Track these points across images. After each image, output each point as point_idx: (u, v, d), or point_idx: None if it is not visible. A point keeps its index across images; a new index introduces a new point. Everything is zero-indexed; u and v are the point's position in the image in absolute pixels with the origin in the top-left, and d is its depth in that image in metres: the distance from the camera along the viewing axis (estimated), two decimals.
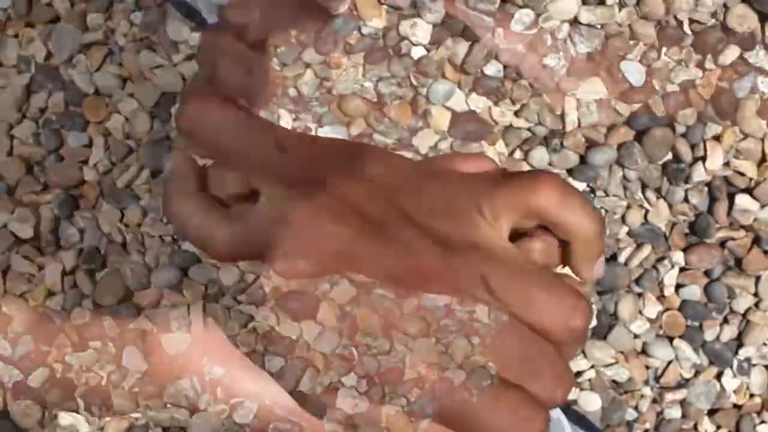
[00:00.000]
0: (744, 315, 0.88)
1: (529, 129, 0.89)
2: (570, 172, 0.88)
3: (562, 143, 0.88)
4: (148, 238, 0.88)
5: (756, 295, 0.88)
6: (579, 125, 0.88)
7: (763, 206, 0.87)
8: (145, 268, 0.88)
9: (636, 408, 0.88)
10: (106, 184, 0.89)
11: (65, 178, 0.89)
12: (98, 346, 0.88)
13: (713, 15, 0.87)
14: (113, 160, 0.89)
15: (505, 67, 0.88)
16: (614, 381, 0.88)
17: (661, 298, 0.88)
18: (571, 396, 0.87)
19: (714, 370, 0.88)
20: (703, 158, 0.87)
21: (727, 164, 0.88)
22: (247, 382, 0.40)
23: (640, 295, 0.88)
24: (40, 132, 0.90)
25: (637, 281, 0.88)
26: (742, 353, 0.88)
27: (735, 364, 0.88)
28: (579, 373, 0.87)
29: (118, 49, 0.90)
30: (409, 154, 0.89)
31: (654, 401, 0.88)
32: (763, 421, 0.88)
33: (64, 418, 0.88)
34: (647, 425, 0.88)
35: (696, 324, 0.88)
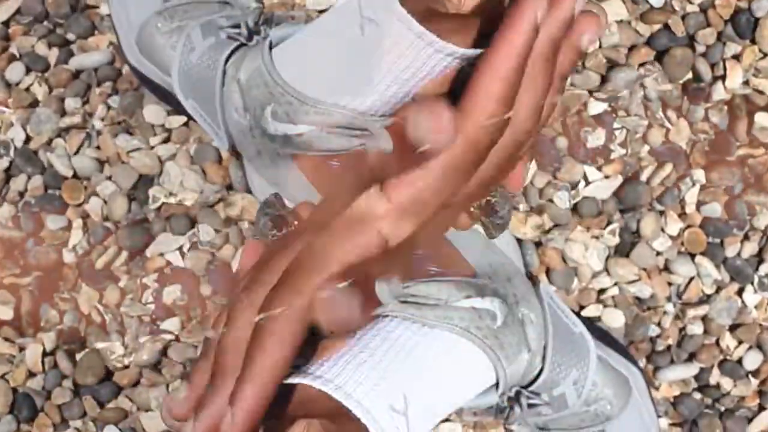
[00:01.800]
0: (764, 231, 0.89)
1: None
2: (591, 92, 0.89)
3: (583, 64, 0.89)
4: (127, 318, 0.90)
5: None
6: (600, 46, 0.89)
7: None
8: (124, 348, 0.90)
9: (659, 324, 0.89)
10: (84, 266, 0.90)
11: (44, 261, 0.90)
12: (79, 425, 0.91)
13: None
14: (92, 242, 0.90)
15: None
16: (637, 297, 0.89)
17: (682, 215, 0.89)
18: (594, 312, 0.88)
19: (735, 286, 0.89)
20: (723, 77, 0.89)
21: (746, 83, 0.89)
22: None
23: (661, 212, 0.89)
24: (19, 215, 0.91)
25: (659, 199, 0.89)
26: (763, 269, 0.89)
27: (756, 279, 0.89)
28: (602, 291, 0.89)
29: (96, 132, 0.91)
30: None
31: (676, 317, 0.89)
32: None
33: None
34: (670, 341, 0.89)
35: (717, 241, 0.89)
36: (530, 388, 0.69)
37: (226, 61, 0.68)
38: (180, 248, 0.90)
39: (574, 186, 0.88)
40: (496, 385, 0.64)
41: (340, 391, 0.42)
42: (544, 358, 0.68)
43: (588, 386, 0.73)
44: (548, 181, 0.88)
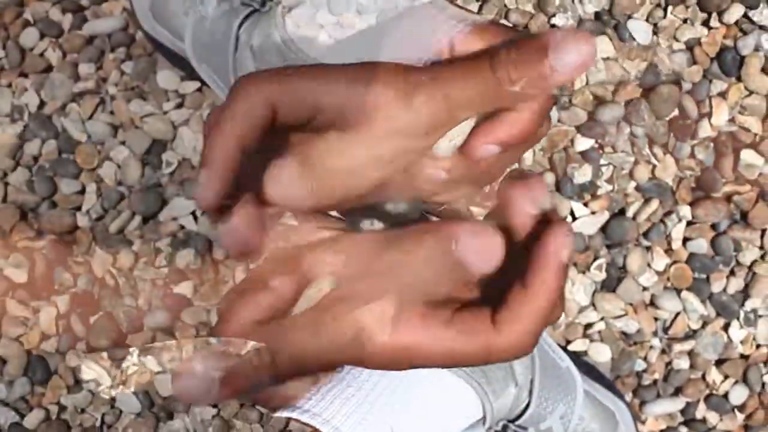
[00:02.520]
0: (750, 267, 0.90)
1: None
2: (579, 128, 0.90)
3: (570, 100, 0.90)
4: (141, 282, 0.90)
5: (762, 247, 0.90)
6: (587, 83, 0.90)
7: (767, 161, 0.89)
8: (137, 311, 0.90)
9: (645, 359, 0.90)
10: (98, 230, 0.91)
11: (58, 224, 0.91)
12: (92, 387, 0.91)
13: None
14: (105, 206, 0.91)
15: (514, 26, 0.91)
16: (623, 332, 0.90)
17: (668, 251, 0.90)
18: (581, 347, 0.89)
19: (721, 321, 0.90)
20: (709, 114, 0.90)
21: (732, 120, 0.90)
22: None
23: (648, 248, 0.89)
24: (33, 179, 0.92)
25: (645, 235, 0.89)
26: (749, 305, 0.89)
27: (742, 315, 0.89)
28: (589, 325, 0.89)
29: (110, 98, 0.92)
30: None
31: (663, 352, 0.90)
32: None
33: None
34: (656, 375, 0.90)
35: (703, 276, 0.90)
36: (517, 422, 0.70)
37: (240, 26, 0.69)
38: (193, 212, 0.90)
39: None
40: (483, 419, 0.64)
41: (327, 425, 0.42)
42: (530, 392, 0.69)
43: (575, 421, 0.73)
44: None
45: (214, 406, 0.89)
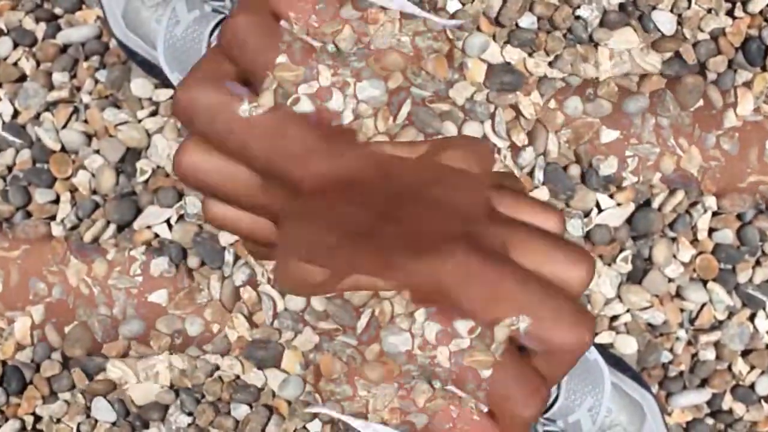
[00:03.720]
0: None
1: (563, 79, 0.91)
2: (603, 120, 0.90)
3: (595, 92, 0.90)
4: (115, 291, 0.90)
5: None
6: (612, 74, 0.90)
7: None
8: (112, 320, 0.91)
9: (671, 350, 0.90)
10: (73, 239, 0.91)
11: (33, 234, 0.91)
12: (68, 397, 0.91)
13: None
14: (80, 215, 0.91)
15: (539, 19, 0.90)
16: (650, 324, 0.90)
17: (694, 242, 0.90)
18: (607, 339, 0.89)
19: (747, 311, 0.90)
20: (734, 104, 0.89)
21: (757, 110, 0.90)
22: None
23: (673, 239, 0.89)
24: (7, 189, 0.91)
25: (671, 226, 0.89)
26: None
27: (767, 305, 0.89)
28: (615, 317, 0.89)
29: (84, 106, 0.92)
30: (446, 106, 0.92)
31: (689, 343, 0.90)
32: None
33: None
34: (682, 367, 0.90)
35: (729, 267, 0.90)
36: (546, 415, 0.70)
37: (211, 33, 0.69)
38: (167, 220, 0.90)
39: (586, 214, 0.89)
40: None
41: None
42: (559, 385, 0.69)
43: (603, 413, 0.73)
44: (561, 209, 0.89)
45: (191, 412, 0.89)
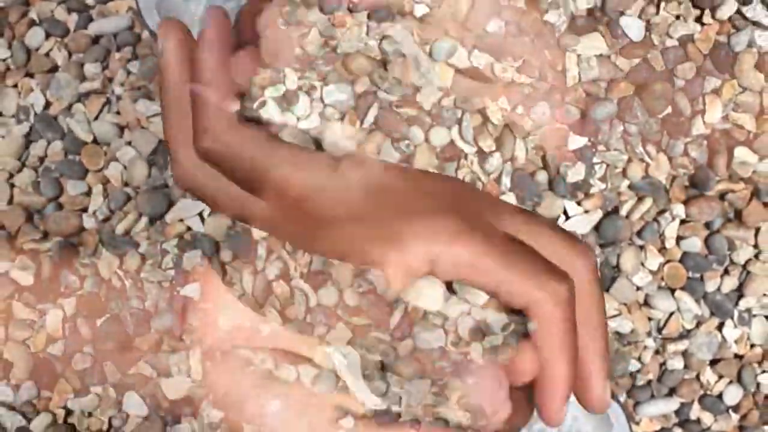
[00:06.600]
0: (744, 266, 0.89)
1: (530, 85, 0.90)
2: (571, 126, 0.89)
3: (563, 98, 0.89)
4: (147, 284, 0.89)
5: (756, 246, 0.89)
6: (580, 80, 0.89)
7: (761, 158, 0.89)
8: (144, 313, 0.89)
9: (639, 359, 0.89)
10: (105, 232, 0.90)
11: (65, 226, 0.90)
12: (99, 391, 0.89)
13: None
14: (112, 207, 0.90)
15: (506, 24, 0.90)
16: (617, 332, 0.89)
17: (662, 250, 0.89)
18: None
19: (715, 320, 0.89)
20: (702, 111, 0.89)
21: (725, 117, 0.89)
22: None
23: (641, 247, 0.89)
24: (39, 180, 0.91)
25: (639, 234, 0.89)
26: (743, 304, 0.89)
27: (736, 314, 0.89)
28: None
29: (116, 97, 0.91)
30: (413, 111, 0.91)
31: (657, 352, 0.89)
32: (764, 371, 0.89)
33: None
34: (650, 376, 0.89)
35: (697, 275, 0.89)
36: None
37: None
38: (200, 213, 0.89)
39: (554, 220, 0.88)
40: None
41: None
42: None
43: (568, 421, 0.72)
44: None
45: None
